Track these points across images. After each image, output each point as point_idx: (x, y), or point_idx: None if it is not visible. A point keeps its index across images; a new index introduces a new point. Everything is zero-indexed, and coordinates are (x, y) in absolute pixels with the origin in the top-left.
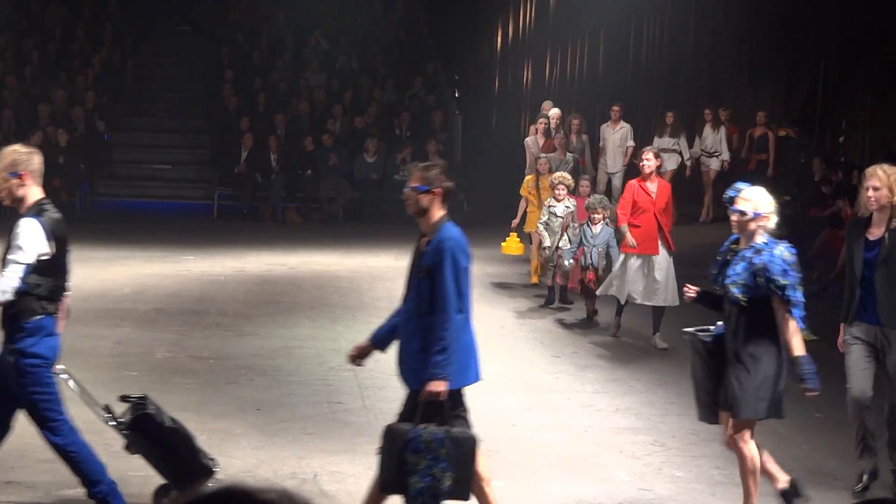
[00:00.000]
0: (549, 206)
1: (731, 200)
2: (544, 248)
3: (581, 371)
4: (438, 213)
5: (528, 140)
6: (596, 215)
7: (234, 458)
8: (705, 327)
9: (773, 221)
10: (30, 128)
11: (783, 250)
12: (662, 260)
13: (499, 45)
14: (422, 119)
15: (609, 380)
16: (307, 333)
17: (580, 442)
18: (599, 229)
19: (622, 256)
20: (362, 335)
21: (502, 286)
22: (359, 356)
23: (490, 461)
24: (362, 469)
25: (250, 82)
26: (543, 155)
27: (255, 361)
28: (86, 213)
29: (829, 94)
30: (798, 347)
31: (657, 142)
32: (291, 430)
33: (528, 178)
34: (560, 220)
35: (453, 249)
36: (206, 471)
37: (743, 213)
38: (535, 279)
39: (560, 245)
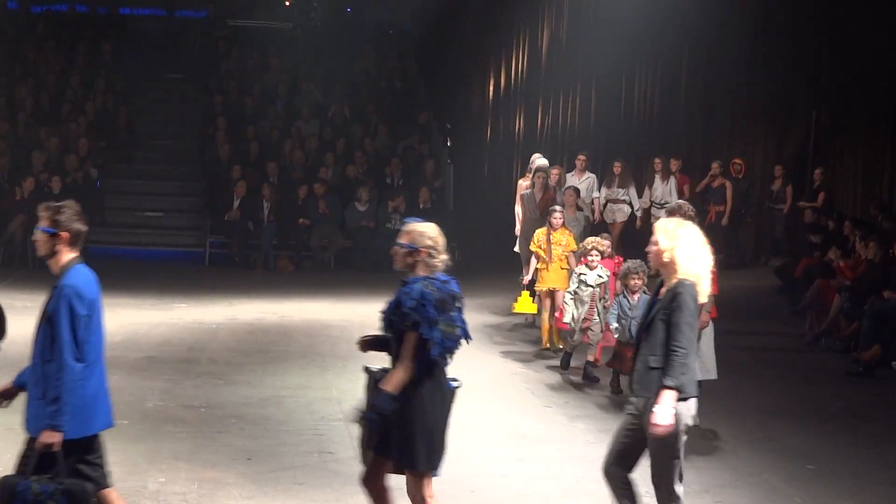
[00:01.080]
0: (580, 274)
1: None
2: (568, 323)
3: (572, 421)
4: (67, 256)
5: (525, 193)
6: (634, 282)
7: None
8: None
9: (436, 258)
10: (23, 174)
11: (428, 285)
12: None
13: (491, 93)
14: (413, 167)
15: (601, 430)
16: (298, 382)
17: (571, 493)
18: (638, 298)
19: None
20: (353, 384)
21: (493, 335)
22: (2, 397)
23: None
24: None
25: (243, 130)
26: (559, 208)
27: (246, 410)
28: None
29: (821, 142)
30: (391, 383)
31: (605, 192)
32: (282, 479)
33: (539, 231)
34: (591, 289)
35: (70, 296)
36: None
37: (401, 247)
38: (546, 344)
39: (587, 316)
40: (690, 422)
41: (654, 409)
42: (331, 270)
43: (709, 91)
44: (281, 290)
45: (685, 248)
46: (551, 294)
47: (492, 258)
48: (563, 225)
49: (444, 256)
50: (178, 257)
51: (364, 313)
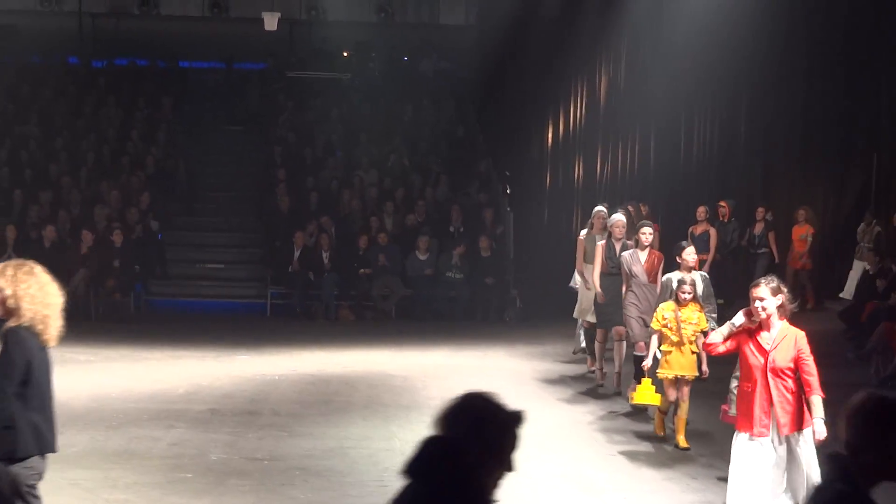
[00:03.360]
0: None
1: None
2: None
3: (637, 470)
4: None
5: (627, 254)
6: None
7: None
8: None
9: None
10: (84, 228)
11: None
12: None
13: (549, 140)
14: (473, 215)
15: (665, 479)
16: (360, 433)
17: None
18: None
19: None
20: (416, 434)
21: (554, 383)
22: None
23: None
24: None
25: (302, 181)
26: (686, 275)
27: (308, 462)
28: (140, 313)
29: (882, 185)
30: None
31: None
32: None
33: (665, 307)
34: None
35: None
36: None
37: None
38: (658, 431)
39: None
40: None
41: None
42: (392, 320)
43: (768, 136)
44: (342, 340)
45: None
46: (675, 381)
47: (552, 305)
48: (694, 299)
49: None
50: (240, 309)
51: (425, 363)
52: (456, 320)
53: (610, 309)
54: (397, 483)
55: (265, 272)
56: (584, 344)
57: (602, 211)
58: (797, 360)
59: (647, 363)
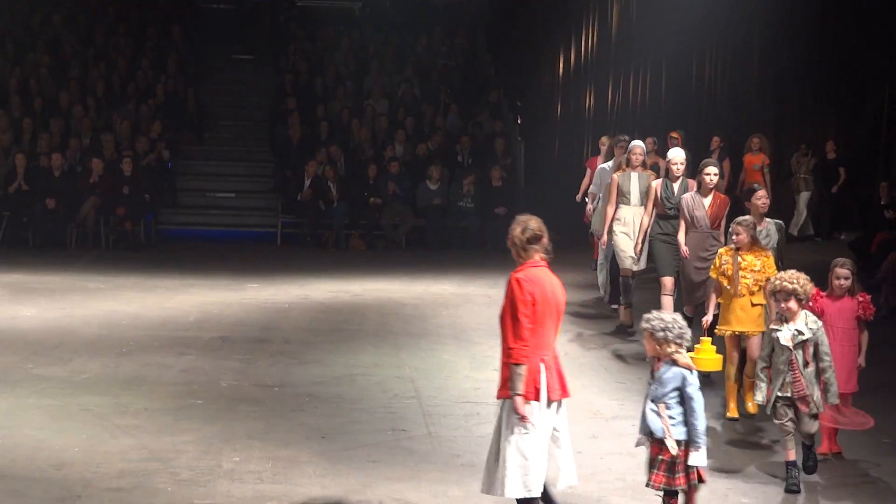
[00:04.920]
0: (771, 332)
1: None
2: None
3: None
4: None
5: (689, 196)
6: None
7: (300, 487)
8: None
9: None
10: (94, 156)
11: None
12: None
13: (560, 71)
14: (484, 146)
15: None
16: (371, 361)
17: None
18: None
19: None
20: (426, 362)
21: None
22: None
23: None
24: (427, 497)
25: (313, 110)
26: (746, 221)
27: (319, 389)
28: (150, 242)
29: (893, 121)
30: None
31: None
32: (356, 457)
33: (723, 250)
34: (787, 352)
35: None
36: None
37: None
38: (732, 413)
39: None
40: None
41: None
42: (402, 249)
43: (780, 71)
44: (353, 269)
45: None
46: (738, 339)
47: (563, 234)
48: (756, 243)
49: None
50: (251, 238)
51: (436, 291)
52: (466, 250)
53: (669, 255)
54: (406, 410)
55: (276, 201)
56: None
57: (640, 146)
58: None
59: (708, 318)
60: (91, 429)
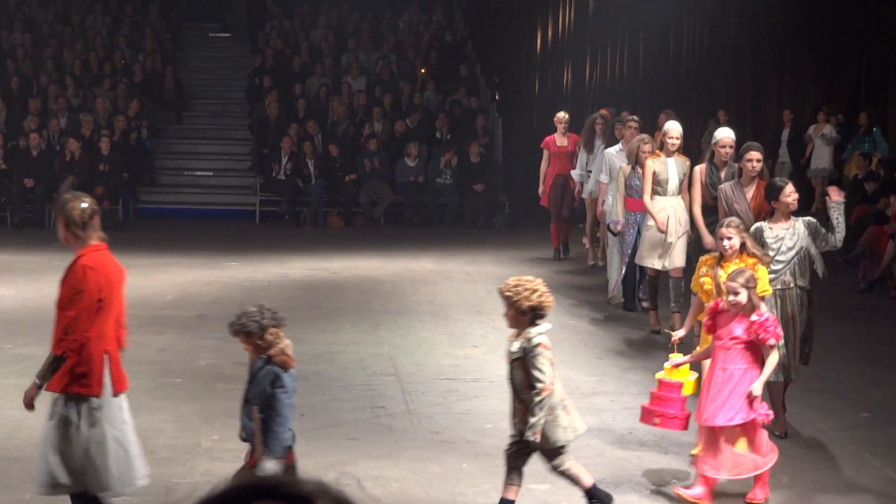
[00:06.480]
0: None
1: None
2: None
3: (625, 373)
4: None
5: (727, 186)
6: None
7: None
8: None
9: None
10: (72, 136)
11: None
12: None
13: (538, 47)
14: (462, 122)
15: (653, 381)
16: (349, 338)
17: (624, 444)
18: None
19: None
20: (405, 339)
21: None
22: None
23: (534, 464)
24: (406, 474)
25: (290, 88)
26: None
27: (298, 367)
28: (128, 221)
29: (872, 89)
30: None
31: None
32: (335, 435)
33: (703, 260)
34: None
35: None
36: None
37: None
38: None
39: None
40: None
41: None
42: (381, 226)
43: (757, 40)
44: (331, 246)
45: None
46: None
47: (540, 211)
48: (744, 251)
49: None
50: (229, 216)
51: (415, 269)
52: (445, 226)
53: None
54: (385, 387)
55: (254, 180)
56: (641, 296)
57: (677, 128)
58: None
59: (678, 335)
60: None
